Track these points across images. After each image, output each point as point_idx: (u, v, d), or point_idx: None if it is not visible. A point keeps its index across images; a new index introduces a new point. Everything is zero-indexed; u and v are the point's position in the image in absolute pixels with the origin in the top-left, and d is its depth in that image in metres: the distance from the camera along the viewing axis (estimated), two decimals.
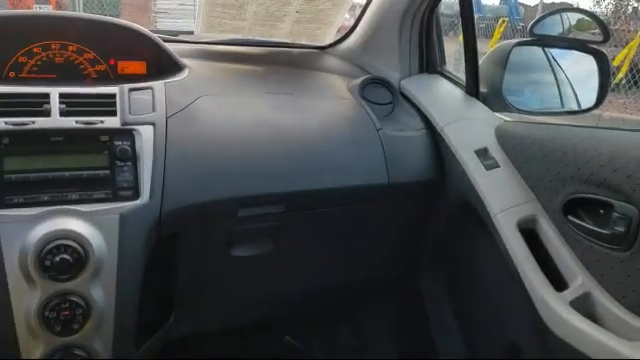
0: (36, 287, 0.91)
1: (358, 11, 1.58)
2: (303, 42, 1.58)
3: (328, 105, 1.29)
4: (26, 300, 0.91)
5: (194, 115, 1.09)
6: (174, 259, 1.11)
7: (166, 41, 1.22)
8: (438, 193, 1.30)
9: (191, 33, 1.49)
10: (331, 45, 1.62)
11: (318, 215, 1.20)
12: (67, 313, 0.92)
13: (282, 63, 1.50)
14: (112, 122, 0.99)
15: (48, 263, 0.89)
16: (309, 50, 1.62)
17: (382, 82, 1.37)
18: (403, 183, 1.23)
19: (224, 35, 1.48)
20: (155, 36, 1.18)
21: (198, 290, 1.18)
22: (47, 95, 0.97)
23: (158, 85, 1.08)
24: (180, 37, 1.51)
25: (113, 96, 1.02)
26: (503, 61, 1.28)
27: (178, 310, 1.17)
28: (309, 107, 1.25)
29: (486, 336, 1.31)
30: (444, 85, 1.41)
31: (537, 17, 1.32)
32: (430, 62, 1.46)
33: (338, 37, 1.61)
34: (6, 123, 0.93)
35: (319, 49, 1.63)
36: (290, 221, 1.17)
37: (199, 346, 1.46)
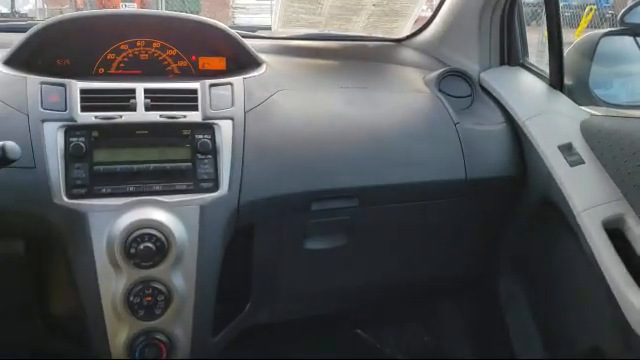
0: (122, 273, 0.95)
1: (436, 2, 1.55)
2: (379, 35, 1.57)
3: (403, 98, 1.27)
4: (113, 285, 0.96)
5: (271, 110, 1.10)
6: (250, 250, 1.14)
7: (244, 37, 1.24)
8: (518, 190, 1.26)
9: (268, 29, 1.51)
10: (408, 37, 1.60)
11: (392, 210, 1.19)
12: (150, 299, 0.96)
13: (357, 57, 1.50)
14: (194, 116, 1.03)
15: (133, 251, 0.93)
16: (385, 43, 1.60)
17: (461, 74, 1.34)
18: (481, 179, 1.20)
19: (300, 30, 1.49)
20: (234, 33, 1.21)
21: (272, 281, 1.21)
22: (133, 90, 1.02)
23: (237, 81, 1.11)
24: (258, 33, 1.53)
25: (195, 91, 1.05)
26: (590, 52, 1.22)
27: (253, 300, 1.20)
28: (384, 101, 1.24)
29: (567, 337, 1.25)
30: (526, 77, 1.36)
31: (629, 5, 1.24)
32: (511, 54, 1.41)
33: (415, 29, 1.58)
34: (96, 117, 0.98)
35: (395, 42, 1.61)
36: (363, 216, 1.16)
37: (272, 336, 1.49)
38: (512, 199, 1.29)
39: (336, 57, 1.46)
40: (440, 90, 1.29)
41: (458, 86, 1.32)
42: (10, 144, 0.81)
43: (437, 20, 1.53)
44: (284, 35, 1.51)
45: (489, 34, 1.40)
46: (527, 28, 1.46)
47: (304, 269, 1.21)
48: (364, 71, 1.41)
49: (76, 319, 1.03)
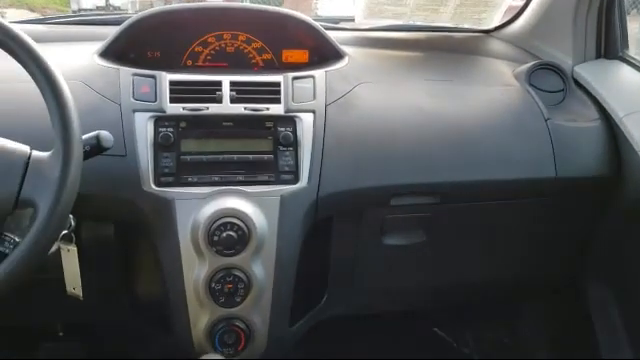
0: (204, 260, 0.98)
1: None
2: (466, 26, 1.51)
3: (491, 92, 1.22)
4: (195, 271, 0.99)
5: (352, 103, 1.10)
6: (328, 242, 1.14)
7: (327, 29, 1.24)
8: (611, 191, 1.19)
9: (351, 20, 1.50)
10: (497, 28, 1.53)
11: (475, 208, 1.15)
12: (230, 286, 0.99)
13: (443, 48, 1.46)
14: (276, 109, 1.04)
15: (216, 238, 0.96)
16: (472, 34, 1.55)
17: (553, 68, 1.27)
18: (572, 178, 1.14)
19: (384, 21, 1.47)
20: (318, 25, 1.21)
21: (349, 274, 1.20)
22: (219, 83, 1.04)
23: (319, 74, 1.11)
24: (341, 25, 1.53)
25: (278, 84, 1.06)
26: None
27: (330, 292, 1.20)
28: (470, 94, 1.20)
29: None
30: (626, 72, 1.27)
31: None
32: (609, 46, 1.33)
33: (505, 20, 1.52)
34: (184, 108, 1.01)
35: (483, 33, 1.55)
36: (444, 213, 1.14)
37: (347, 330, 1.49)
38: (604, 200, 1.21)
39: (421, 49, 1.43)
40: (530, 84, 1.23)
41: (550, 80, 1.26)
42: (104, 133, 0.85)
43: (529, 10, 1.46)
44: (367, 26, 1.49)
45: (585, 24, 1.32)
46: (627, 17, 1.36)
47: (382, 264, 1.20)
48: (450, 63, 1.37)
49: (159, 302, 1.08)
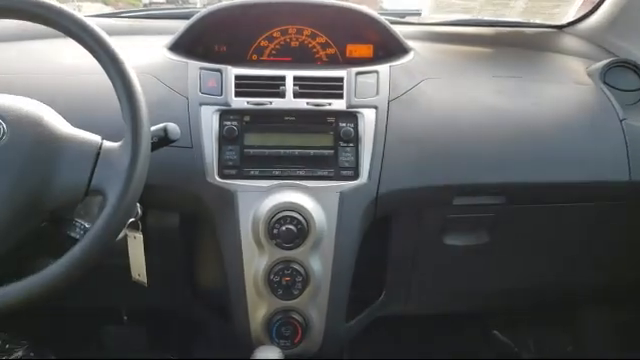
0: (264, 252, 1.00)
1: None
2: (537, 21, 1.46)
3: (563, 90, 1.17)
4: (255, 262, 1.01)
5: (416, 99, 1.08)
6: (387, 240, 1.13)
7: (393, 23, 1.22)
8: None
9: (418, 14, 1.48)
10: (570, 24, 1.47)
11: (541, 210, 1.11)
12: (289, 279, 1.00)
13: (513, 44, 1.41)
14: (339, 104, 1.04)
15: (275, 231, 0.97)
16: (544, 30, 1.49)
17: (630, 65, 1.20)
18: None
19: (452, 16, 1.43)
20: (383, 19, 1.20)
21: (407, 273, 1.19)
22: (283, 78, 1.05)
23: (383, 69, 1.10)
24: (407, 19, 1.50)
25: (341, 79, 1.06)
26: None
27: (387, 290, 1.19)
28: (540, 92, 1.16)
29: None
30: None
31: None
32: None
33: (579, 15, 1.45)
34: (248, 103, 1.03)
35: (556, 28, 1.49)
36: (509, 214, 1.10)
37: (404, 329, 1.47)
38: None
39: (489, 44, 1.39)
40: (605, 82, 1.18)
41: (626, 78, 1.19)
42: (172, 125, 0.87)
43: (605, 5, 1.39)
44: (434, 21, 1.46)
45: None
46: None
47: (442, 264, 1.18)
48: (520, 60, 1.32)
49: (220, 291, 1.10)
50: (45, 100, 0.84)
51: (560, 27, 1.48)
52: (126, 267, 1.05)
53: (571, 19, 1.45)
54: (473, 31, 1.46)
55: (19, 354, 1.45)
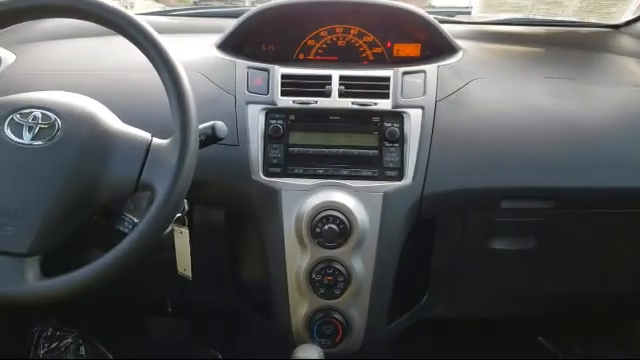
0: (306, 250, 1.00)
1: None
2: (592, 20, 1.41)
3: (619, 93, 1.13)
4: (297, 260, 1.01)
5: (464, 99, 1.06)
6: (431, 242, 1.12)
7: (442, 22, 1.21)
8: None
9: (467, 13, 1.45)
10: (628, 23, 1.41)
11: (593, 216, 1.07)
12: (330, 278, 1.00)
13: (565, 44, 1.37)
14: (384, 104, 1.03)
15: (318, 230, 0.97)
16: (600, 29, 1.44)
17: None
18: None
19: (503, 15, 1.40)
20: (432, 18, 1.18)
21: (452, 276, 1.17)
22: (329, 77, 1.05)
23: (431, 69, 1.08)
24: (456, 18, 1.48)
25: (387, 79, 1.05)
26: None
27: (430, 293, 1.18)
28: (595, 94, 1.12)
29: None
30: None
31: None
32: None
33: (638, 14, 1.39)
34: (294, 102, 1.03)
35: (612, 28, 1.43)
36: (559, 219, 1.07)
37: (446, 332, 1.45)
38: None
39: (541, 44, 1.35)
40: None
41: None
42: (219, 124, 0.88)
43: None
44: (484, 20, 1.43)
45: None
46: None
47: (487, 268, 1.16)
48: (573, 60, 1.28)
49: (262, 288, 1.11)
50: (98, 97, 0.87)
51: (617, 27, 1.43)
52: (172, 261, 1.07)
53: (629, 18, 1.40)
54: (524, 31, 1.42)
55: (68, 341, 1.50)
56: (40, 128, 0.79)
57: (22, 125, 0.79)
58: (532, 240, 1.11)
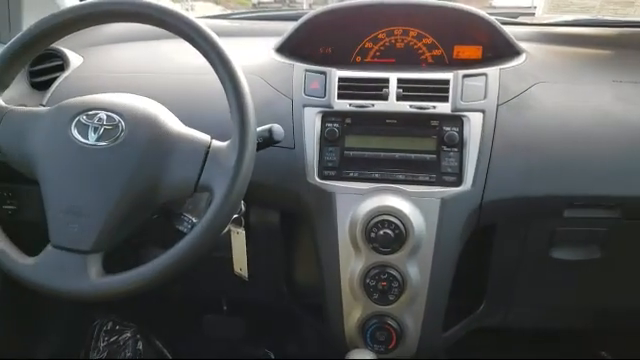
0: (361, 255, 0.99)
1: None
2: None
3: None
4: (351, 265, 1.01)
5: (527, 103, 1.03)
6: (489, 250, 1.09)
7: (504, 24, 1.17)
8: None
9: (531, 14, 1.41)
10: None
11: None
12: (385, 284, 0.99)
13: (636, 46, 1.30)
14: (443, 108, 1.01)
15: (373, 235, 0.96)
16: None
17: None
18: None
19: (569, 15, 1.35)
20: (494, 20, 1.15)
21: (510, 285, 1.14)
22: (387, 80, 1.04)
23: (492, 71, 1.06)
24: (519, 19, 1.44)
25: (447, 82, 1.03)
26: None
27: (487, 301, 1.15)
28: None
29: None
30: None
31: None
32: None
33: None
34: (350, 105, 1.02)
35: None
36: (624, 229, 1.02)
37: (502, 342, 1.41)
38: None
39: (610, 46, 1.29)
40: None
41: None
42: (277, 127, 0.89)
43: None
44: (549, 21, 1.39)
45: None
46: None
47: (547, 278, 1.12)
48: None
49: (316, 291, 1.11)
50: (160, 99, 0.89)
51: None
52: (228, 261, 1.09)
53: None
54: (592, 32, 1.37)
55: (127, 336, 1.55)
56: (105, 129, 0.82)
57: (88, 126, 0.82)
58: (596, 250, 1.06)
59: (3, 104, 0.88)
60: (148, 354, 1.55)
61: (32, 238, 0.84)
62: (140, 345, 1.55)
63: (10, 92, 0.91)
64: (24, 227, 1.00)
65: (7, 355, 1.40)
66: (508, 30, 1.15)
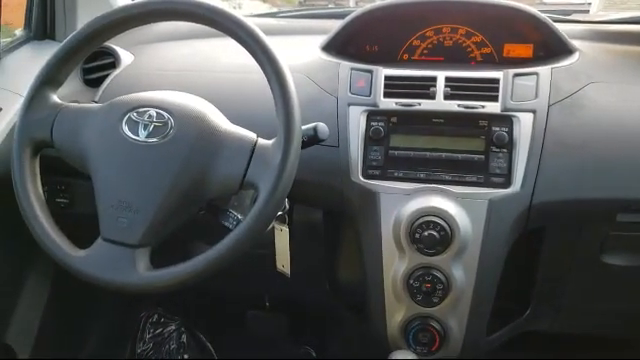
0: (404, 256, 0.98)
1: None
2: None
3: None
4: (395, 265, 1.00)
5: (579, 104, 0.99)
6: (537, 253, 1.07)
7: (557, 21, 1.14)
8: None
9: (585, 11, 1.36)
10: None
11: None
12: (429, 286, 0.98)
13: None
14: (492, 107, 0.99)
15: (417, 236, 0.95)
16: None
17: None
18: None
19: (626, 13, 1.30)
20: (546, 17, 1.12)
21: (559, 289, 1.11)
22: (434, 79, 1.02)
23: (544, 71, 1.03)
24: (572, 17, 1.39)
25: (497, 81, 1.01)
26: None
27: (534, 305, 1.12)
28: None
29: None
30: None
31: None
32: None
33: None
34: (396, 103, 1.01)
35: None
36: None
37: (549, 347, 1.38)
38: None
39: None
40: None
41: None
42: (321, 125, 0.89)
43: None
44: (604, 19, 1.34)
45: None
46: None
47: (598, 284, 1.08)
48: None
49: (358, 290, 1.11)
50: (208, 97, 0.90)
51: None
52: (271, 258, 1.10)
53: None
54: None
55: (171, 328, 1.58)
56: (155, 126, 0.83)
57: (138, 123, 0.84)
58: None
59: (58, 101, 0.91)
60: (192, 347, 1.58)
61: (84, 230, 0.86)
62: (184, 338, 1.58)
63: (64, 89, 0.94)
64: (76, 219, 1.04)
65: (57, 344, 1.45)
66: (561, 28, 1.12)
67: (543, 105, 0.98)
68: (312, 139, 0.89)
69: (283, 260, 1.09)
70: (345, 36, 1.17)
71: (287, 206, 1.02)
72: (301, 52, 1.17)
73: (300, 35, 1.36)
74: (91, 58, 1.21)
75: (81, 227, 0.90)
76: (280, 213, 1.01)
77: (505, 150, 0.97)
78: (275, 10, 2.06)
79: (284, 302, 1.52)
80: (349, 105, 1.03)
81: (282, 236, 1.06)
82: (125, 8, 0.87)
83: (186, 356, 1.55)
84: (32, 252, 1.10)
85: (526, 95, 0.99)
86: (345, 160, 1.00)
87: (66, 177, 1.16)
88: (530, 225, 0.98)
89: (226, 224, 0.91)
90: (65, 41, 0.89)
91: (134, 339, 1.57)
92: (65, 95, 0.99)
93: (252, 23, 0.82)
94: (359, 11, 1.16)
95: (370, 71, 1.05)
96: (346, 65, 1.09)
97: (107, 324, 1.61)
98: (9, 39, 1.35)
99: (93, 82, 1.21)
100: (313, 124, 0.89)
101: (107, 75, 1.20)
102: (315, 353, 1.56)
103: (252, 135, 0.83)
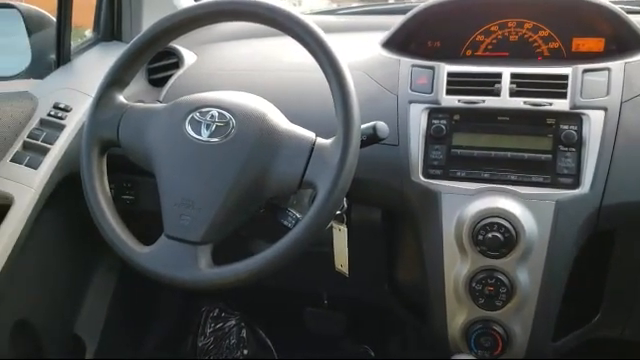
0: (467, 258, 0.96)
1: None
2: None
3: None
4: (457, 267, 0.98)
5: None
6: (608, 257, 1.02)
7: (630, 13, 1.08)
8: None
9: None
10: None
11: None
12: (492, 289, 0.95)
13: None
14: (561, 105, 0.95)
15: (480, 238, 0.92)
16: None
17: None
18: None
19: None
20: (618, 8, 1.06)
21: (632, 295, 1.05)
22: (499, 75, 0.99)
23: (616, 66, 0.98)
24: None
25: (565, 77, 0.96)
26: None
27: (604, 312, 1.07)
28: None
29: None
30: None
31: None
32: None
33: None
34: (459, 101, 0.99)
35: None
36: None
37: (617, 354, 1.31)
38: None
39: None
40: None
41: None
42: (381, 124, 0.88)
43: None
44: None
45: None
46: None
47: None
48: None
49: (418, 291, 1.09)
50: (268, 96, 0.91)
51: None
52: (330, 257, 1.09)
53: None
54: None
55: (232, 323, 1.61)
56: (217, 126, 0.85)
57: (201, 123, 0.85)
58: None
59: (124, 101, 0.94)
60: (251, 342, 1.60)
61: (148, 227, 0.89)
62: (244, 333, 1.60)
63: (130, 89, 0.97)
64: (141, 216, 1.07)
65: (122, 336, 1.50)
66: (635, 20, 1.06)
67: (615, 102, 0.93)
68: (371, 138, 0.88)
69: (342, 260, 1.09)
70: (406, 32, 1.15)
71: (346, 205, 1.01)
72: (360, 49, 1.16)
73: (360, 32, 1.35)
74: (156, 58, 1.25)
75: (145, 224, 0.93)
76: (338, 212, 1.01)
77: (574, 149, 0.93)
78: (335, 6, 2.06)
79: (343, 301, 1.52)
80: (410, 103, 1.01)
81: (340, 235, 1.06)
82: (188, 10, 0.89)
83: (246, 352, 1.57)
84: (100, 248, 1.14)
85: (597, 92, 0.95)
86: (405, 159, 0.99)
87: (132, 175, 1.19)
88: (599, 227, 0.93)
89: (285, 223, 0.91)
90: (130, 43, 0.92)
91: (195, 333, 1.60)
92: (131, 95, 1.02)
93: (312, 22, 0.82)
94: (421, 6, 1.13)
95: (432, 68, 1.03)
96: (407, 62, 1.07)
97: (169, 317, 1.66)
98: (80, 40, 1.41)
99: (158, 82, 1.25)
100: (372, 123, 0.88)
101: (171, 75, 1.23)
102: (374, 353, 1.55)
103: (311, 134, 0.83)
